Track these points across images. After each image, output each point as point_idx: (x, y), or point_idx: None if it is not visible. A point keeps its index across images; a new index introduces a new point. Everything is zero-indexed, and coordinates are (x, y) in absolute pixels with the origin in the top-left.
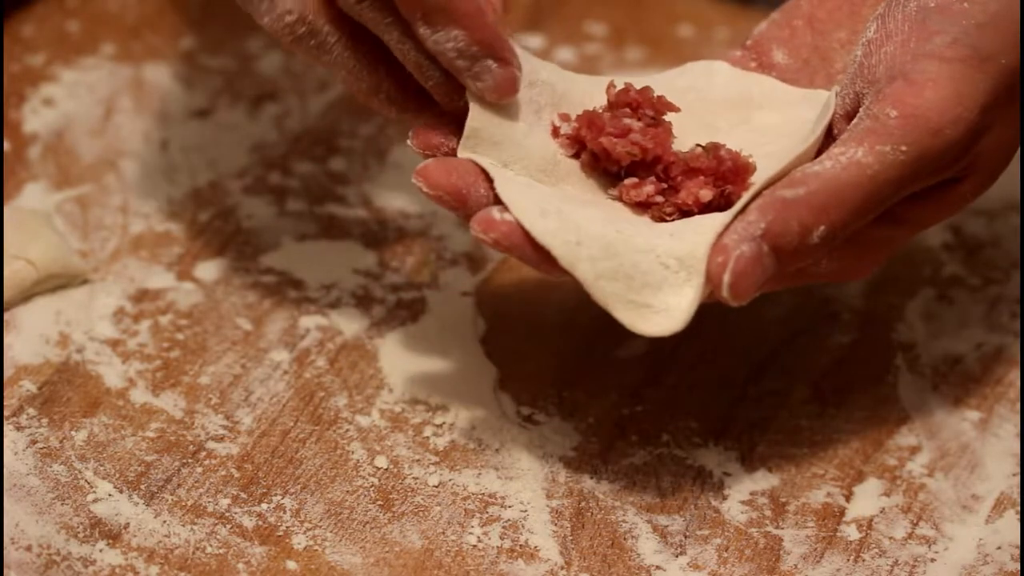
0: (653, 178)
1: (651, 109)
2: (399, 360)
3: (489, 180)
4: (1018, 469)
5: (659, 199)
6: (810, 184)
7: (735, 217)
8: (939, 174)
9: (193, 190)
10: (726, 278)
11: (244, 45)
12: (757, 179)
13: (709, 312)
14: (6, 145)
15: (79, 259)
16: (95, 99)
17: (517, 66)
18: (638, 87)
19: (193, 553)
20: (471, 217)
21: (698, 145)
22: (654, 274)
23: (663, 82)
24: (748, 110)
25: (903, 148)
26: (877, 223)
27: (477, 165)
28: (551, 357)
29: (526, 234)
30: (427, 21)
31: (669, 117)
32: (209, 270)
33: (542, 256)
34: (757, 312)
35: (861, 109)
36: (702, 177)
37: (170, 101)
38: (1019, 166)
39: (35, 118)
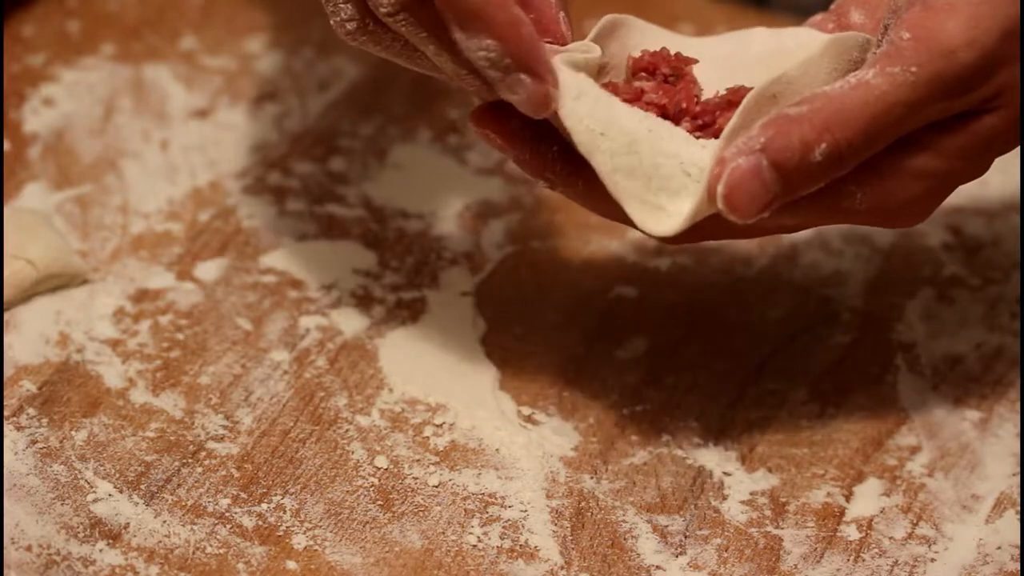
0: (688, 118)
1: (667, 67)
2: (399, 360)
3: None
4: (1018, 469)
5: (697, 134)
6: (815, 102)
7: (731, 130)
8: (956, 99)
9: (193, 190)
10: (720, 188)
11: (244, 45)
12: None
13: (709, 312)
14: (6, 145)
15: (79, 259)
16: (95, 99)
17: (553, 83)
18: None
19: (193, 553)
20: (521, 162)
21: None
22: (675, 179)
23: (703, 48)
24: (786, 60)
25: (913, 69)
26: (904, 151)
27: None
28: (551, 357)
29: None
30: (461, 26)
31: (698, 73)
32: (209, 270)
33: (536, 154)
34: (757, 312)
35: (884, 38)
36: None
37: (170, 101)
38: (1019, 166)
39: (35, 118)
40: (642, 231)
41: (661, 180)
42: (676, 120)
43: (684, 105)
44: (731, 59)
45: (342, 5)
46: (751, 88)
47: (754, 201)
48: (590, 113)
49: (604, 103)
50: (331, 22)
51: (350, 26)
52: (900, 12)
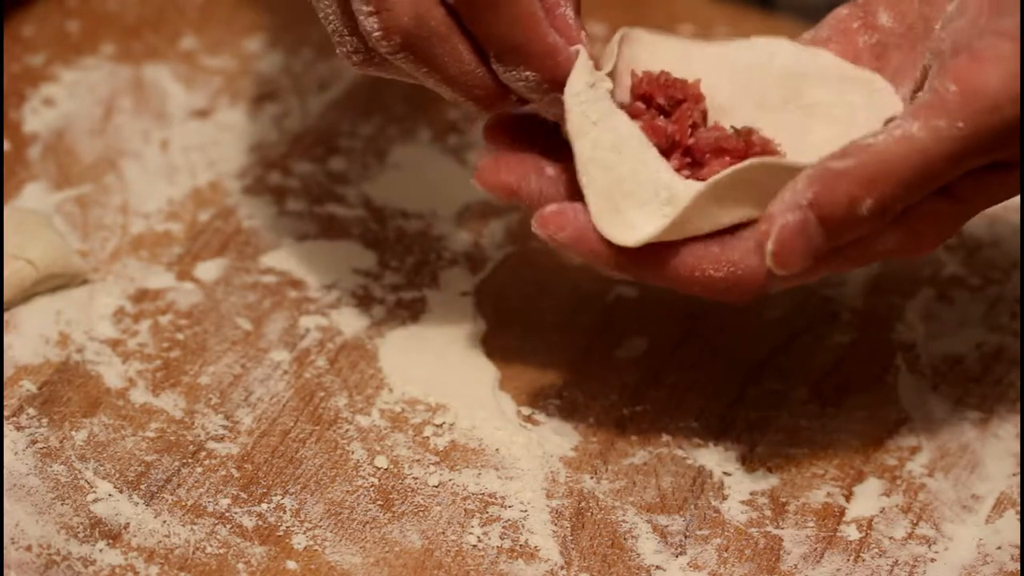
0: (678, 152)
1: (663, 97)
2: (399, 360)
3: (543, 170)
4: (1018, 469)
5: (686, 173)
6: (860, 156)
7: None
8: (994, 153)
9: (193, 190)
10: (769, 246)
11: (244, 45)
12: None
13: (709, 312)
14: (6, 145)
15: (79, 259)
16: (95, 99)
17: None
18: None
19: (193, 553)
20: (530, 207)
21: (732, 127)
22: (644, 190)
23: (725, 56)
24: (801, 84)
25: (959, 124)
26: (935, 198)
27: (532, 156)
28: (551, 357)
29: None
30: (500, 59)
31: (713, 80)
32: (209, 270)
33: (607, 248)
34: (757, 312)
35: (925, 82)
36: (728, 158)
37: (170, 101)
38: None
39: (35, 118)
40: (595, 226)
41: (634, 184)
42: (668, 152)
43: (677, 138)
44: (751, 72)
45: (348, 38)
46: (753, 130)
47: (801, 257)
48: (592, 103)
49: (609, 102)
50: (337, 52)
51: (356, 58)
52: (944, 57)
